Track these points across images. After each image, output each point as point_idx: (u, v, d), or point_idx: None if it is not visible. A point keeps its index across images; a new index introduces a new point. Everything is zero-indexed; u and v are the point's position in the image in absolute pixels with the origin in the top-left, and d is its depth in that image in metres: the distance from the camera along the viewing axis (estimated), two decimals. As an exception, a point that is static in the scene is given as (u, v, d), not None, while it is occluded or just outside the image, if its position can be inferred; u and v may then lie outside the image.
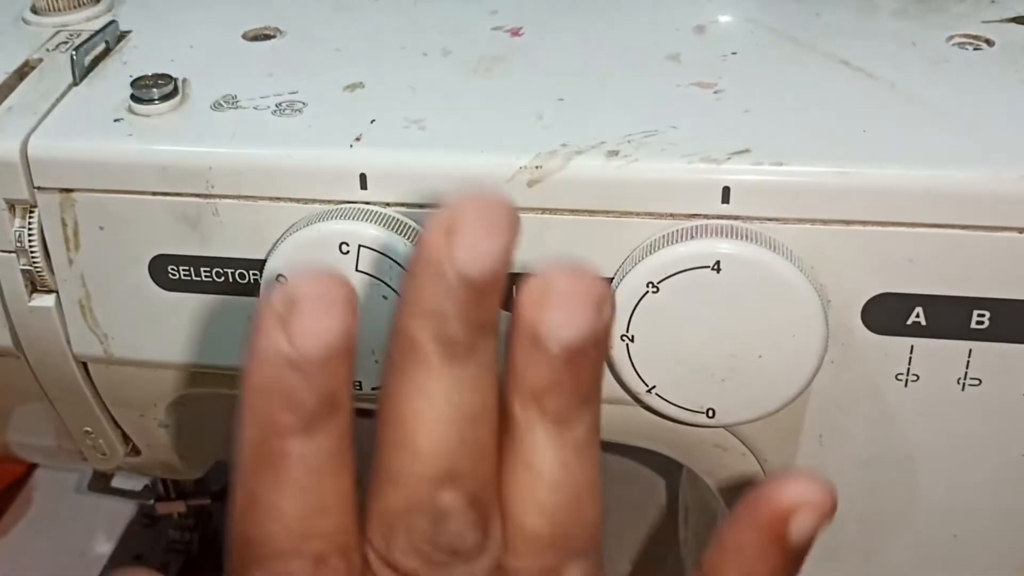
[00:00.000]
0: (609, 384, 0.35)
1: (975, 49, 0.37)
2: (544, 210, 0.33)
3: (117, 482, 0.57)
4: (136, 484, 0.58)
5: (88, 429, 0.44)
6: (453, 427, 0.23)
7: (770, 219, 0.32)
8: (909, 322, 0.33)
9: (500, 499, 0.24)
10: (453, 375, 0.22)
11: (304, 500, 0.23)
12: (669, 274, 0.32)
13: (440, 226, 0.21)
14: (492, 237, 0.21)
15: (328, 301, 0.21)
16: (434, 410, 0.22)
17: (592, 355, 0.22)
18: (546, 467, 0.23)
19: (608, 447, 0.67)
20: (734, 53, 0.38)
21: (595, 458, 0.24)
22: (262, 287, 0.35)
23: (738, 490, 0.39)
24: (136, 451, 0.46)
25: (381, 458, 0.24)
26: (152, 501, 0.58)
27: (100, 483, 0.57)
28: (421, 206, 0.34)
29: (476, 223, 0.21)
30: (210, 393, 0.43)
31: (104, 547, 0.61)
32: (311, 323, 0.21)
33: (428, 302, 0.22)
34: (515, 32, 0.40)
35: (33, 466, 0.69)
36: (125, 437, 0.45)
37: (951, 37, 0.38)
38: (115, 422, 0.44)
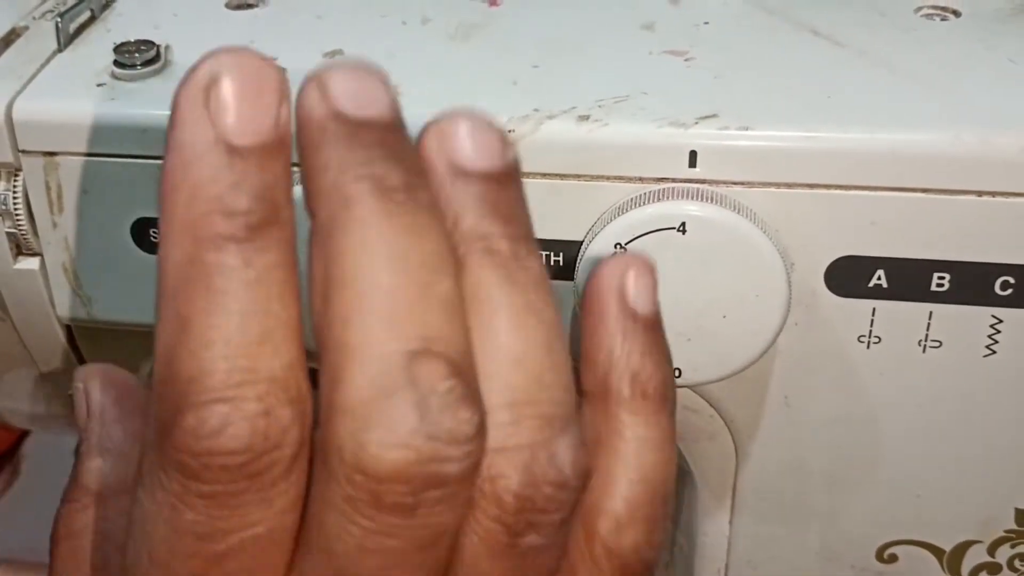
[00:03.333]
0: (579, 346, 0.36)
1: (942, 19, 0.38)
2: (516, 173, 0.34)
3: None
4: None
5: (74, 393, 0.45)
6: (411, 279, 0.19)
7: (736, 183, 0.33)
8: (871, 284, 0.34)
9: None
10: (400, 225, 0.20)
11: (245, 326, 0.19)
12: (636, 235, 0.32)
13: (316, 86, 0.20)
14: (373, 83, 0.21)
15: (260, 85, 0.20)
16: (386, 264, 0.19)
17: (518, 184, 0.22)
18: (507, 310, 0.21)
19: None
20: (707, 23, 0.38)
21: (550, 295, 0.22)
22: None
23: (707, 454, 0.40)
24: (121, 415, 0.46)
25: (332, 339, 0.20)
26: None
27: (87, 450, 0.58)
28: (396, 169, 0.34)
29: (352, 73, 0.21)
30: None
31: (92, 515, 0.62)
32: (243, 109, 0.19)
33: (357, 155, 0.20)
34: (493, 1, 0.40)
35: (22, 437, 0.69)
36: (110, 401, 0.45)
37: (919, 8, 0.38)
38: (100, 385, 0.44)
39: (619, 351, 0.24)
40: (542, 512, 0.21)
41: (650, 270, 0.25)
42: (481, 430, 0.20)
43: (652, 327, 0.24)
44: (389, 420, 0.19)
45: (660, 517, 0.24)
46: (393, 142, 0.20)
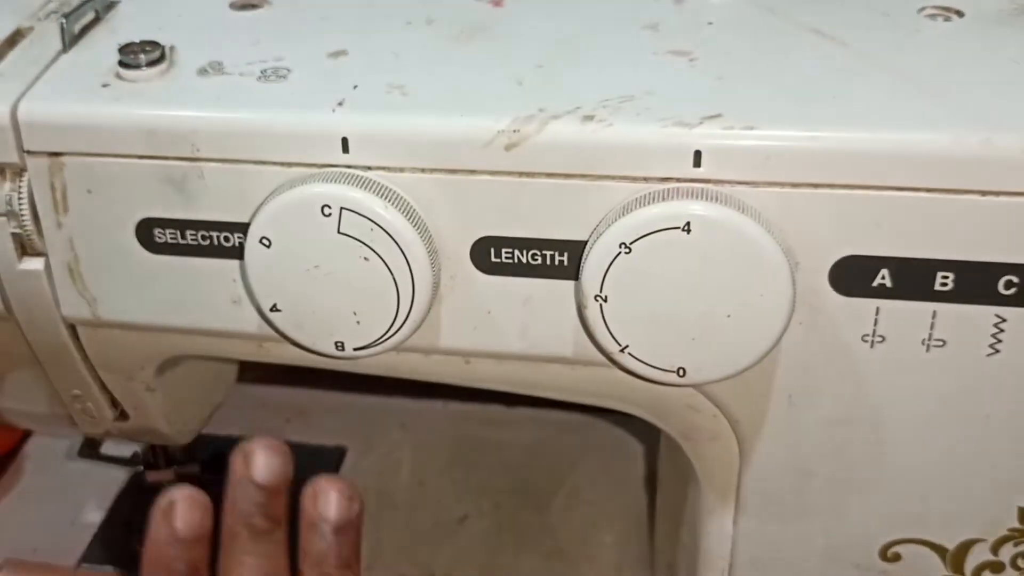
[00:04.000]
0: (584, 346, 0.36)
1: (945, 20, 0.38)
2: (521, 173, 0.34)
3: (107, 449, 0.58)
4: (125, 451, 0.58)
5: (77, 392, 0.45)
6: None
7: (741, 182, 0.33)
8: (875, 284, 0.34)
9: None
10: (258, 550, 0.34)
11: None
12: (641, 235, 0.32)
13: (240, 454, 0.33)
14: (275, 458, 0.33)
15: (195, 504, 0.33)
16: (248, 572, 0.34)
17: (351, 531, 0.34)
18: None
19: (591, 412, 0.68)
20: (711, 23, 0.38)
21: None
22: (246, 250, 0.36)
23: (711, 454, 0.40)
24: (124, 415, 0.46)
25: None
26: (142, 469, 0.59)
27: (90, 450, 0.58)
28: (402, 169, 0.35)
29: (263, 451, 0.33)
30: (196, 356, 0.44)
31: (95, 516, 0.62)
32: (184, 517, 0.32)
33: (239, 504, 0.33)
34: (497, 2, 0.41)
35: (24, 437, 0.69)
36: (113, 401, 0.46)
37: (922, 9, 0.38)
38: (103, 385, 0.44)
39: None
40: None
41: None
42: None
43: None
44: None
45: None
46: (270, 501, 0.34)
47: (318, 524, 0.34)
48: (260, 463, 0.33)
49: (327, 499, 0.34)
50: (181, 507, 0.33)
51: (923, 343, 0.35)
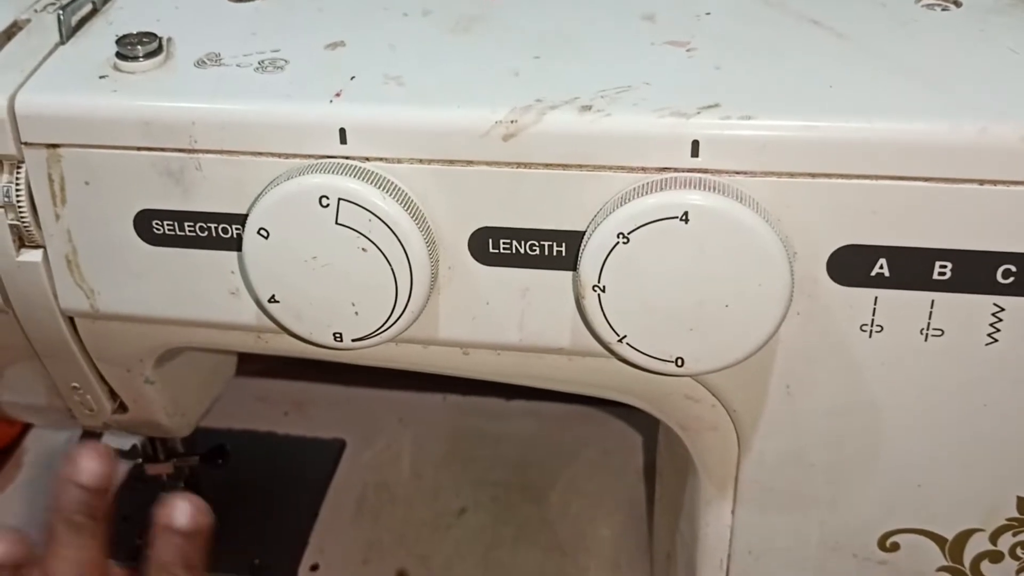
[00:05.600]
0: (582, 336, 0.36)
1: (943, 9, 0.38)
2: (518, 164, 0.34)
3: (106, 442, 0.58)
4: (124, 444, 0.58)
5: (76, 385, 0.45)
6: (77, 571, 0.38)
7: (738, 172, 0.33)
8: (873, 273, 0.34)
9: None
10: (76, 543, 0.38)
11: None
12: (638, 225, 0.32)
13: (67, 459, 0.37)
14: (97, 462, 0.37)
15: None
16: (65, 563, 0.38)
17: (199, 539, 0.38)
18: None
19: (589, 404, 0.68)
20: (708, 13, 0.38)
21: None
22: (244, 241, 0.36)
23: (709, 444, 0.40)
24: (123, 408, 0.47)
25: None
26: (141, 462, 0.59)
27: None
28: (399, 160, 0.35)
29: (88, 455, 0.37)
30: (195, 348, 0.44)
31: (94, 509, 0.62)
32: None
33: (62, 502, 0.37)
34: (494, -7, 0.41)
35: (24, 431, 0.69)
36: (112, 393, 0.46)
37: (920, -2, 0.38)
38: (102, 377, 0.44)
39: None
40: None
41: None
42: None
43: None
44: None
45: None
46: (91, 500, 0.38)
47: (169, 531, 0.38)
48: (85, 466, 0.37)
49: (180, 509, 0.38)
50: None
51: (921, 333, 0.35)
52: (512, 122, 0.33)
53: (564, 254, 0.35)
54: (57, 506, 0.38)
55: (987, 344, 0.35)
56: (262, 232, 0.35)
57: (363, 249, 0.34)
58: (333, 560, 0.61)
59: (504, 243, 0.35)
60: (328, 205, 0.34)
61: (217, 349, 0.45)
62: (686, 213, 0.32)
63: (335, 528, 0.63)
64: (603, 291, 0.34)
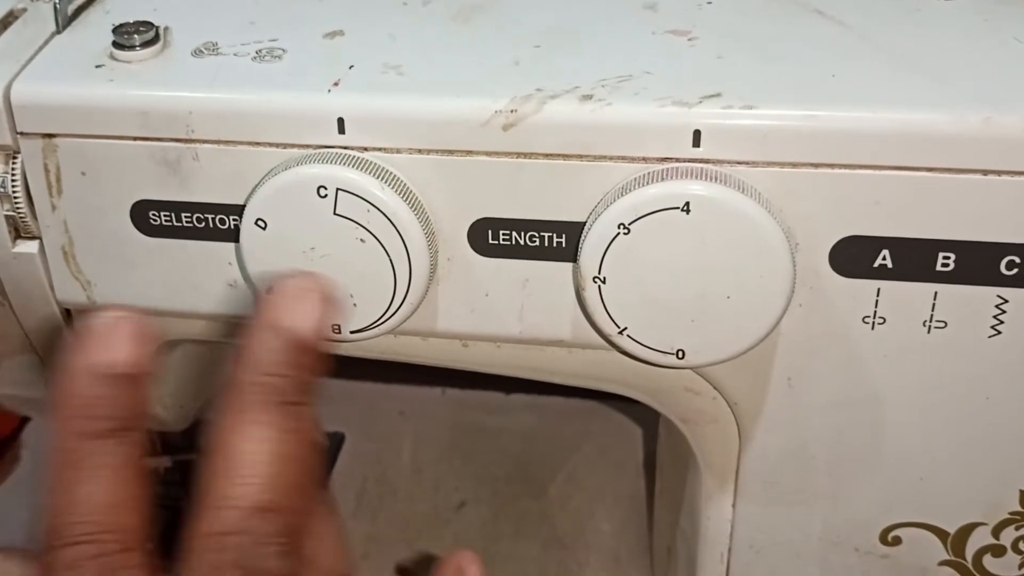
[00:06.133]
0: (583, 328, 0.36)
1: (947, -1, 0.38)
2: (519, 154, 0.34)
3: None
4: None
5: (73, 377, 0.45)
6: (277, 465, 0.27)
7: (740, 162, 0.33)
8: (876, 264, 0.34)
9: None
10: (281, 423, 0.27)
11: (98, 495, 0.26)
12: (640, 215, 0.32)
13: (275, 297, 0.28)
14: (317, 307, 0.28)
15: (134, 333, 0.26)
16: (263, 449, 0.27)
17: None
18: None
19: (589, 398, 0.68)
20: (710, 2, 0.38)
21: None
22: (242, 232, 0.35)
23: (710, 437, 0.40)
24: (121, 400, 0.46)
25: (208, 485, 0.27)
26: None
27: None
28: (398, 150, 0.34)
29: (304, 295, 0.28)
30: (192, 340, 0.44)
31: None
32: (119, 349, 0.26)
33: (261, 360, 0.27)
34: (494, -17, 0.40)
35: (21, 425, 0.69)
36: (110, 386, 0.45)
37: (924, -13, 0.38)
38: (99, 370, 0.44)
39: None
40: None
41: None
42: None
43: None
44: (222, 548, 0.26)
45: None
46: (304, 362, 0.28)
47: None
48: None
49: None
50: (118, 334, 0.26)
51: (924, 324, 0.34)
52: (512, 112, 0.33)
53: (564, 245, 0.35)
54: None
55: (990, 336, 0.35)
56: (260, 223, 0.35)
57: (361, 240, 0.34)
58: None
59: (504, 234, 0.35)
60: (326, 196, 0.34)
61: (215, 341, 0.45)
62: (687, 203, 0.32)
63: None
64: (604, 282, 0.33)
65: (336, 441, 0.68)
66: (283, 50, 0.37)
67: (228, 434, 0.27)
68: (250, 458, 0.26)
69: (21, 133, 0.36)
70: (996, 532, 0.39)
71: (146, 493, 0.27)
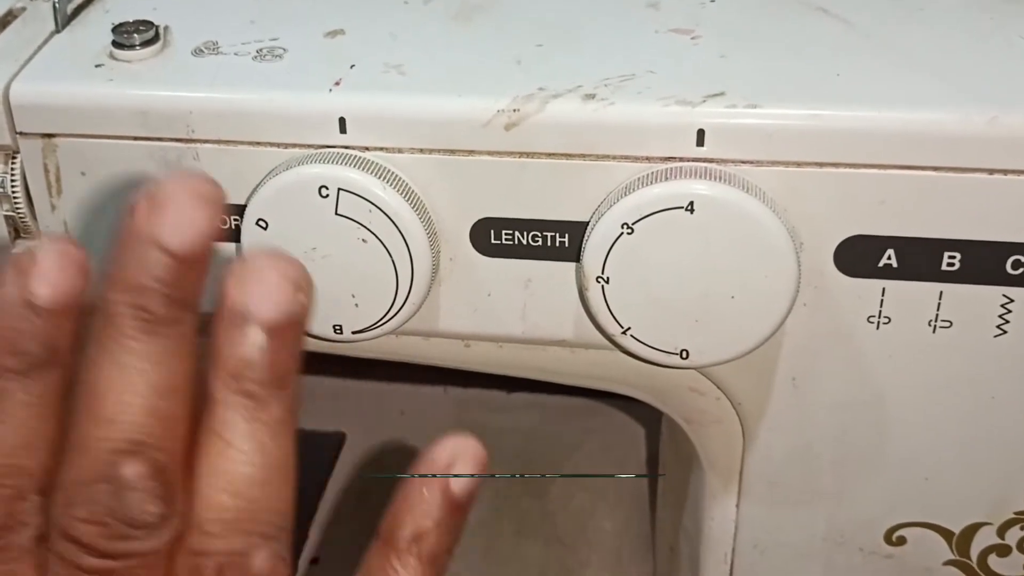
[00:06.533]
0: (586, 328, 0.36)
1: (951, -4, 0.37)
2: (521, 154, 0.33)
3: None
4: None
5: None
6: (142, 398, 0.23)
7: (744, 161, 0.33)
8: (881, 264, 0.33)
9: (192, 476, 0.25)
10: (148, 348, 0.23)
11: (14, 434, 0.24)
12: (643, 215, 0.32)
13: (146, 200, 0.23)
14: (196, 211, 0.23)
15: (65, 262, 0.23)
16: (125, 380, 0.23)
17: (289, 336, 0.24)
18: (238, 445, 0.24)
19: (591, 397, 0.67)
20: (713, 1, 0.38)
21: (289, 441, 0.25)
22: (243, 232, 0.35)
23: (714, 437, 0.40)
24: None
25: (72, 427, 0.24)
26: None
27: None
28: (400, 150, 0.34)
29: (181, 197, 0.23)
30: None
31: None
32: (47, 278, 0.23)
33: (129, 275, 0.23)
34: (495, -19, 0.40)
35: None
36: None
37: (928, -15, 0.38)
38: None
39: (417, 512, 0.27)
40: None
41: (479, 461, 0.27)
42: (165, 524, 0.24)
43: (458, 509, 0.27)
44: (89, 499, 0.23)
45: None
46: (180, 276, 0.24)
47: (242, 321, 0.24)
48: (175, 215, 0.23)
49: (264, 284, 0.24)
50: (47, 263, 0.23)
51: (929, 324, 0.34)
52: (514, 111, 0.33)
53: (567, 245, 0.35)
54: (115, 282, 0.23)
55: (996, 336, 0.34)
56: (261, 223, 0.34)
57: (363, 240, 0.34)
58: (334, 553, 0.60)
59: (506, 234, 0.35)
60: (328, 196, 0.34)
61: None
62: (691, 203, 0.32)
63: (336, 521, 0.62)
64: (607, 282, 0.33)
65: (337, 440, 0.68)
66: (284, 49, 0.36)
67: (94, 366, 0.24)
68: (116, 393, 0.23)
69: (20, 133, 0.36)
70: (1001, 532, 0.39)
71: (58, 435, 0.25)
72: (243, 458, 0.24)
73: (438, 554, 0.28)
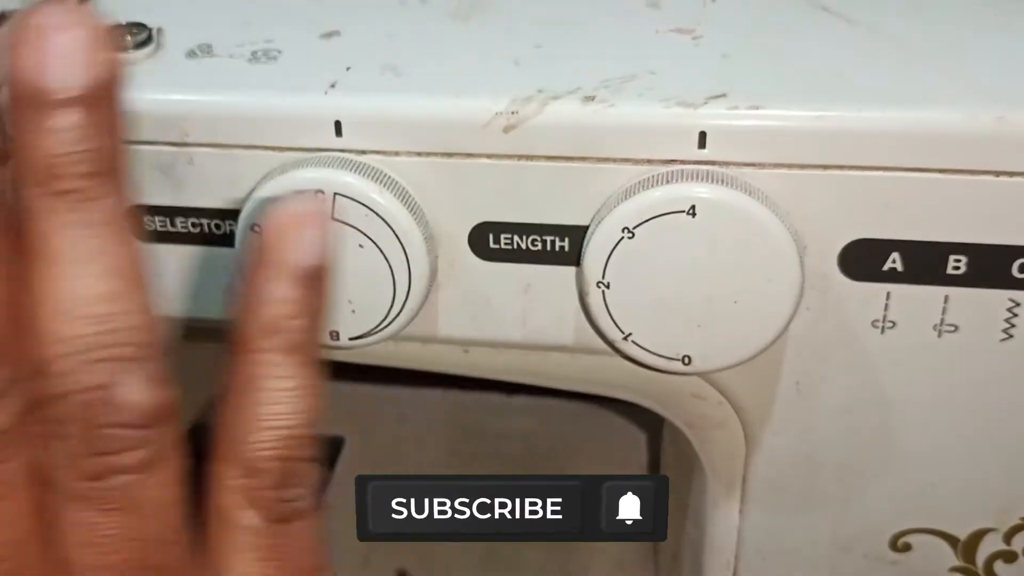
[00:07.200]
0: (586, 333, 0.35)
1: (955, -5, 0.37)
2: (520, 156, 0.33)
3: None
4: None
5: (68, 384, 0.44)
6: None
7: (747, 164, 0.32)
8: (886, 268, 0.33)
9: (22, 331, 0.21)
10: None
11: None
12: (644, 219, 0.32)
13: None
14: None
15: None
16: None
17: (104, 109, 0.20)
18: (66, 257, 0.20)
19: (592, 401, 0.67)
20: (714, 0, 0.37)
21: (132, 240, 0.21)
22: (238, 237, 0.35)
23: (717, 442, 0.39)
24: (117, 407, 0.46)
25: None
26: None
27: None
28: (397, 153, 0.34)
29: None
30: (186, 347, 0.43)
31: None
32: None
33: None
34: (493, -19, 0.40)
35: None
36: (105, 393, 0.45)
37: (933, -17, 0.37)
38: (94, 377, 0.43)
39: (273, 303, 0.23)
40: (115, 453, 0.21)
41: (321, 224, 0.23)
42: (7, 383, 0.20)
43: (308, 282, 0.23)
44: None
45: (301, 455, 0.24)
46: None
47: (42, 103, 0.20)
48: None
49: (57, 53, 0.20)
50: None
51: (935, 328, 0.34)
52: (513, 113, 0.32)
53: (567, 249, 0.34)
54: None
55: (1002, 340, 0.34)
56: (256, 228, 0.34)
57: (360, 245, 0.34)
58: (333, 559, 0.60)
59: (505, 238, 0.35)
60: (324, 200, 0.33)
61: (210, 347, 0.44)
62: (693, 206, 0.31)
63: (334, 527, 0.62)
64: (608, 287, 0.33)
65: (336, 445, 0.68)
66: (279, 51, 0.36)
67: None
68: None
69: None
70: (1007, 538, 0.38)
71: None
72: (75, 270, 0.20)
73: (302, 343, 0.23)
